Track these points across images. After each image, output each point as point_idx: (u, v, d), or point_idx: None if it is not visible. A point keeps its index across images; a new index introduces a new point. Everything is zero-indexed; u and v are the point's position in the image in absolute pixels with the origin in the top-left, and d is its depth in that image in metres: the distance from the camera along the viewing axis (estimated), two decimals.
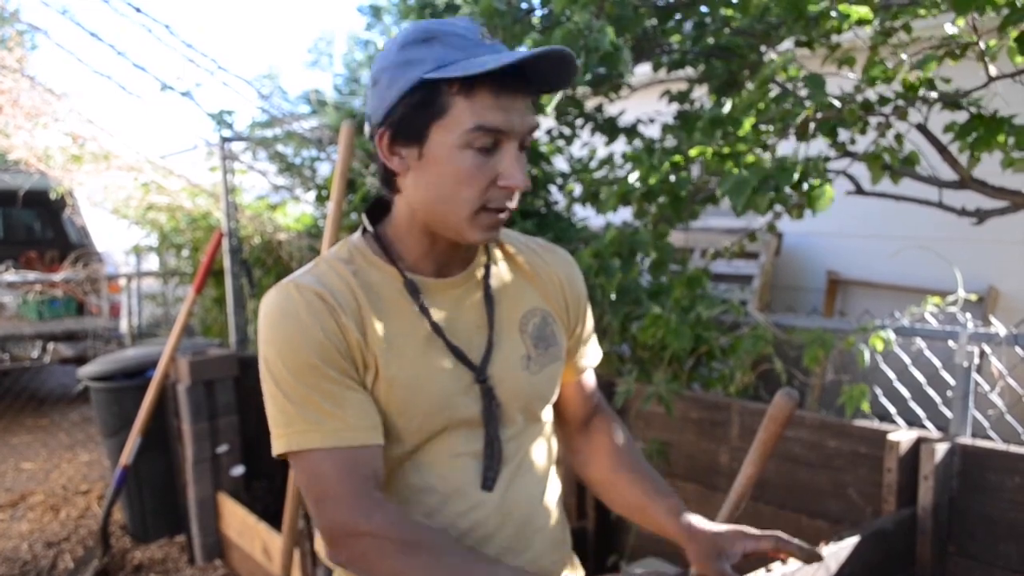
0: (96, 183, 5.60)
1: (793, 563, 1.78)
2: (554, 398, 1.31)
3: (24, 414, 6.60)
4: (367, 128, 1.17)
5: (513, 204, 1.13)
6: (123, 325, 6.98)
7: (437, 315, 1.17)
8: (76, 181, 5.48)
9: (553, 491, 1.31)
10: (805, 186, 2.38)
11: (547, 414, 1.31)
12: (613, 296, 2.80)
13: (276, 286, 1.14)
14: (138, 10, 3.23)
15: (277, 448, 1.10)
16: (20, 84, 4.62)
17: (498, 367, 1.20)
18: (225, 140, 4.33)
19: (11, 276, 6.06)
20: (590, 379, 1.43)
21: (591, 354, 1.41)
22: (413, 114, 1.07)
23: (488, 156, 1.07)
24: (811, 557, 1.18)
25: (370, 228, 1.21)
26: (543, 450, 1.30)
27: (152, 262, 7.52)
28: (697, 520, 1.24)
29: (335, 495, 1.07)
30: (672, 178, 2.66)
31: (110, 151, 5.11)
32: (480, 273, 1.24)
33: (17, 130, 4.95)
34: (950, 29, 2.41)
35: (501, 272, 1.27)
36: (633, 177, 2.63)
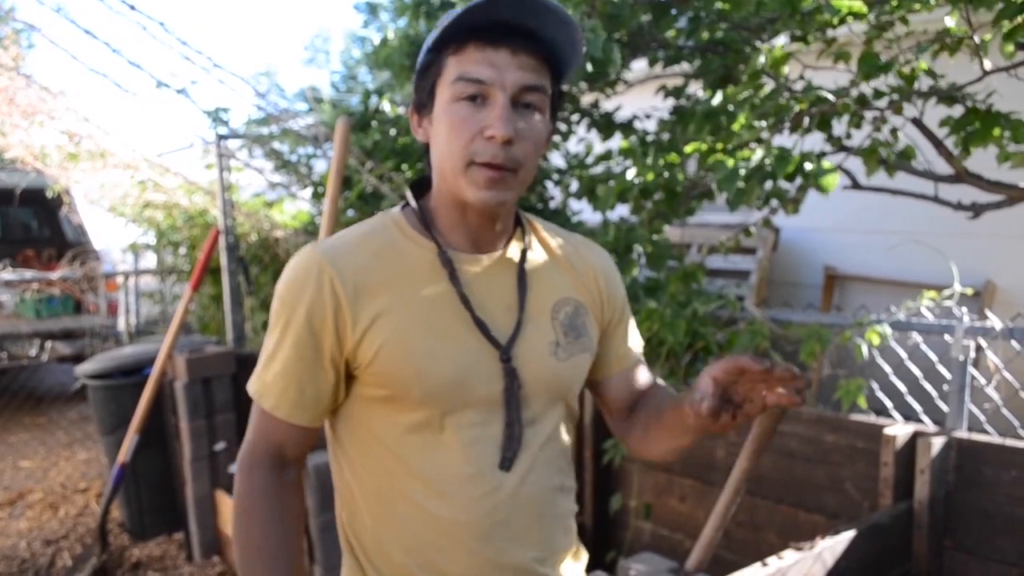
0: (93, 181, 5.59)
1: (789, 558, 1.79)
2: (578, 388, 1.29)
3: (22, 412, 6.59)
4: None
5: (506, 161, 1.10)
6: (121, 323, 6.97)
7: (468, 289, 1.18)
8: (73, 179, 5.47)
9: (568, 480, 1.30)
10: (801, 179, 2.38)
11: (571, 402, 1.29)
12: None
13: (307, 245, 1.20)
14: (133, 7, 3.23)
15: (248, 386, 1.21)
16: (16, 82, 4.61)
17: (524, 349, 1.19)
18: (221, 137, 4.32)
19: (8, 274, 6.06)
20: (640, 373, 1.38)
21: (632, 352, 1.37)
22: (422, 82, 1.16)
23: (477, 108, 1.10)
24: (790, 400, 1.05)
25: (412, 202, 1.23)
26: (562, 439, 1.28)
27: (149, 260, 7.51)
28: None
29: (252, 441, 1.20)
30: (667, 174, 2.66)
31: (106, 149, 5.11)
32: (516, 255, 1.24)
33: (13, 128, 4.94)
34: (947, 22, 2.41)
35: (537, 257, 1.27)
36: (631, 174, 2.63)
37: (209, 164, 5.39)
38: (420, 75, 1.17)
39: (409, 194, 1.25)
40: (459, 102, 1.10)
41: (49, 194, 5.99)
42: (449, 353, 1.14)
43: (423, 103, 1.17)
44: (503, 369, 1.17)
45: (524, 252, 1.24)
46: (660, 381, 1.43)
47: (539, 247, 1.29)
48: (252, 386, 1.21)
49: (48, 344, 6.79)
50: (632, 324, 1.40)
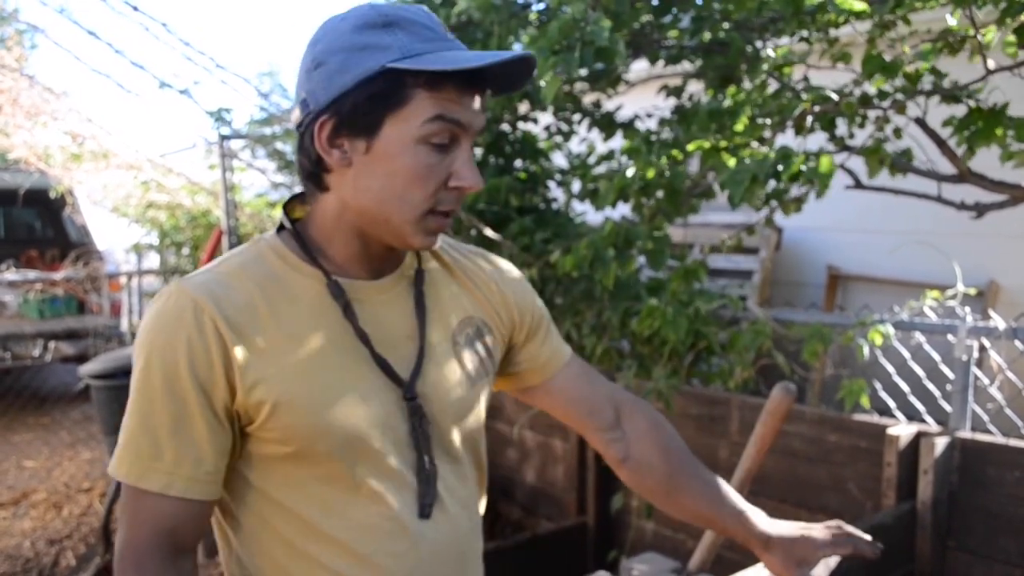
0: (96, 181, 5.61)
1: None
2: (485, 411, 1.19)
3: (26, 412, 6.60)
4: (296, 114, 1.04)
5: (459, 207, 1.05)
6: (124, 323, 6.98)
7: (364, 323, 1.05)
8: (76, 180, 5.49)
9: (479, 516, 1.20)
10: (799, 179, 2.37)
11: (479, 432, 1.19)
12: (611, 287, 2.79)
13: (168, 284, 1.02)
14: (136, 8, 3.23)
15: (110, 467, 1.01)
16: (20, 83, 4.62)
17: (429, 382, 1.08)
18: (224, 138, 4.33)
19: (12, 275, 6.07)
20: (585, 375, 1.30)
21: (560, 350, 1.29)
22: (368, 104, 0.97)
23: (443, 154, 0.99)
24: (875, 552, 1.17)
25: (288, 225, 1.09)
26: (474, 475, 1.18)
27: (152, 260, 7.53)
28: (766, 525, 1.20)
29: (127, 534, 1.00)
30: (669, 172, 2.66)
31: (109, 149, 5.12)
32: (411, 277, 1.13)
33: (17, 129, 4.96)
34: (950, 21, 2.41)
35: (434, 277, 1.16)
36: (631, 172, 2.62)
37: (212, 164, 5.41)
38: (370, 97, 0.97)
39: (285, 218, 1.10)
40: (427, 145, 0.98)
41: (52, 195, 6.01)
42: (353, 398, 1.02)
43: (357, 124, 0.98)
44: (408, 408, 1.05)
45: (421, 272, 1.14)
46: (637, 400, 1.34)
47: (436, 263, 1.18)
48: (124, 467, 0.99)
49: (52, 344, 6.80)
50: (550, 321, 1.31)
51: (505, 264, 1.27)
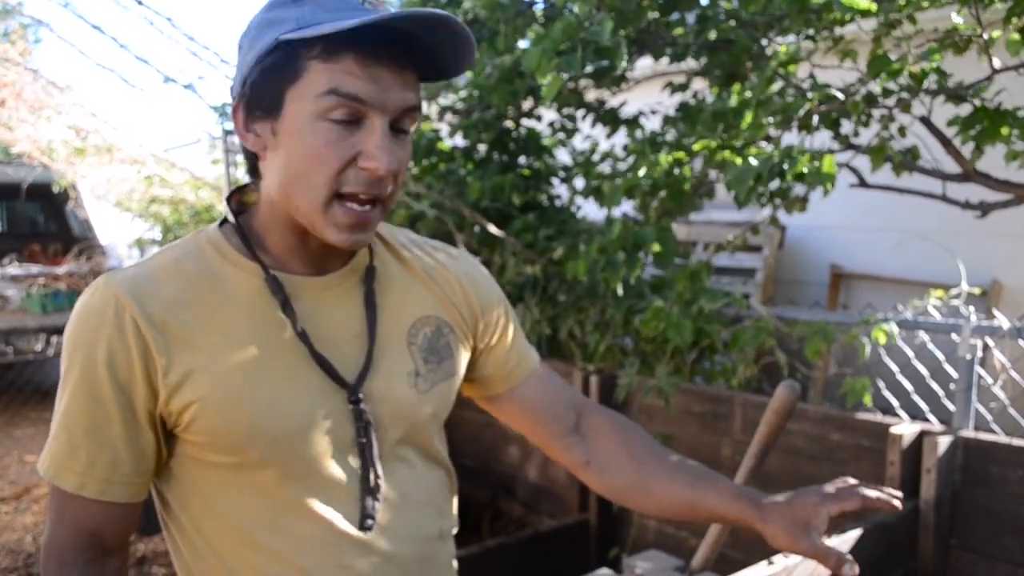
0: (99, 176, 5.61)
1: (795, 556, 1.78)
2: (445, 416, 1.13)
3: (28, 407, 6.61)
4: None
5: (379, 192, 0.94)
6: None
7: (305, 320, 0.99)
8: (79, 174, 5.49)
9: (447, 522, 1.13)
10: (803, 178, 2.37)
11: (439, 439, 1.12)
12: (619, 290, 2.79)
13: (99, 278, 0.98)
14: (140, 2, 3.23)
15: (39, 465, 0.99)
16: (23, 77, 4.62)
17: (378, 384, 1.01)
18: (228, 133, 4.33)
19: (15, 269, 6.08)
20: (550, 381, 1.24)
21: (528, 356, 1.23)
22: (266, 80, 0.92)
23: (348, 131, 0.91)
24: (892, 507, 1.02)
25: (231, 218, 1.03)
26: (436, 480, 1.11)
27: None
28: (758, 496, 1.06)
29: (51, 531, 0.98)
30: (676, 171, 2.66)
31: (113, 144, 5.12)
32: (361, 273, 1.06)
33: (20, 123, 4.96)
34: (955, 20, 2.40)
35: (388, 274, 1.08)
36: (641, 172, 2.62)
37: (216, 159, 5.41)
38: (265, 71, 0.92)
39: (227, 209, 1.04)
40: (325, 122, 0.90)
41: (55, 189, 6.01)
42: (288, 400, 0.96)
43: (261, 104, 0.93)
44: (353, 412, 0.99)
45: (372, 268, 1.06)
46: (598, 405, 1.27)
47: (390, 259, 1.11)
48: (44, 464, 0.96)
49: (54, 339, 6.80)
50: (518, 326, 1.23)
51: (470, 261, 1.20)
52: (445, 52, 0.94)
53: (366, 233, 0.96)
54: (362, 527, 0.99)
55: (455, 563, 1.16)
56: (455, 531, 1.16)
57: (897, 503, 1.00)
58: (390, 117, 0.92)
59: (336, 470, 0.98)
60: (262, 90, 0.92)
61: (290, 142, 0.92)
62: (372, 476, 1.00)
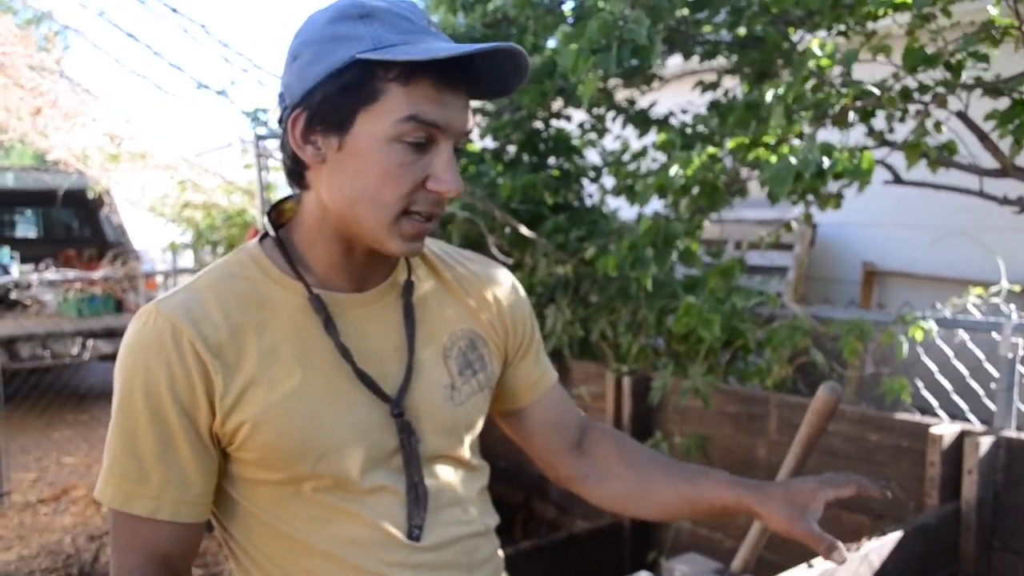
0: (133, 182, 5.68)
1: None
2: (480, 427, 1.15)
3: (65, 410, 6.70)
4: (277, 109, 1.00)
5: (441, 211, 0.99)
6: None
7: (347, 337, 1.01)
8: (113, 180, 5.56)
9: (491, 518, 1.17)
10: (840, 175, 2.35)
11: (474, 446, 1.15)
12: (649, 287, 2.78)
13: (145, 306, 1.00)
14: (174, 11, 3.27)
15: (96, 491, 0.99)
16: (59, 86, 4.69)
17: (417, 398, 1.04)
18: (260, 138, 4.36)
19: (52, 274, 6.16)
20: (564, 398, 1.27)
21: (549, 371, 1.25)
22: (339, 97, 0.93)
23: (419, 154, 0.94)
24: (882, 491, 1.06)
25: (272, 233, 1.05)
26: (474, 483, 1.14)
27: (188, 259, 7.61)
28: (755, 482, 1.10)
29: (120, 560, 0.98)
30: (708, 169, 2.64)
31: (147, 150, 5.18)
32: (400, 288, 1.08)
33: (56, 131, 5.03)
34: (991, 12, 2.37)
35: (424, 288, 1.11)
36: (673, 170, 2.61)
37: (248, 164, 5.45)
38: (341, 89, 0.93)
39: (268, 224, 1.06)
40: (400, 143, 0.93)
41: (90, 195, 6.09)
42: (334, 416, 0.99)
43: (330, 118, 0.94)
44: (396, 424, 1.02)
45: (410, 283, 1.09)
46: (594, 423, 1.30)
47: (427, 272, 1.13)
48: (109, 492, 0.97)
49: (90, 342, 6.89)
50: (541, 344, 1.26)
51: (501, 272, 1.22)
52: (501, 72, 0.97)
53: (423, 242, 1.00)
54: (410, 536, 1.02)
55: (500, 552, 1.19)
56: (497, 522, 1.19)
57: (888, 493, 1.04)
58: (453, 140, 0.96)
59: (383, 481, 1.01)
60: (332, 105, 0.93)
61: (360, 159, 0.94)
62: (417, 485, 1.03)
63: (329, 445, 0.98)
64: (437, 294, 1.12)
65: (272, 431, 0.96)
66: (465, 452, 1.12)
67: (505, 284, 1.20)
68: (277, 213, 1.09)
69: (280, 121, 1.00)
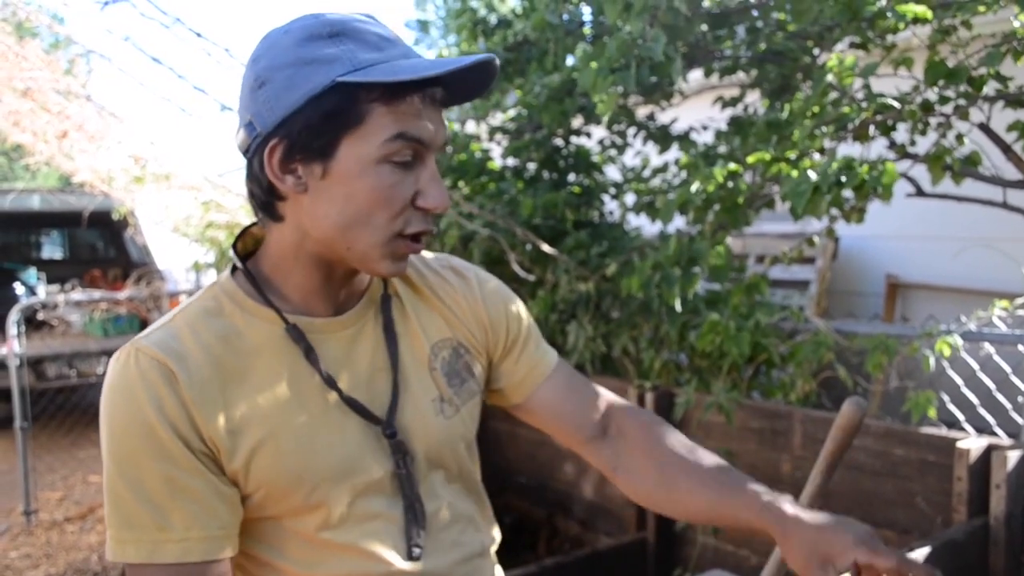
0: (157, 202, 5.73)
1: None
2: (474, 433, 1.14)
3: (91, 428, 6.75)
4: (240, 138, 0.95)
5: (433, 227, 0.97)
6: None
7: (331, 363, 0.99)
8: (138, 201, 5.62)
9: (488, 540, 1.15)
10: (861, 187, 2.35)
11: (470, 457, 1.13)
12: (677, 307, 2.78)
13: (122, 348, 0.95)
14: (199, 35, 3.31)
15: (110, 554, 0.92)
16: (85, 109, 4.76)
17: (408, 415, 1.03)
18: None
19: (77, 295, 6.23)
20: (570, 385, 1.22)
21: (541, 362, 1.21)
22: (322, 124, 0.89)
23: (406, 172, 0.92)
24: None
25: (240, 265, 1.01)
26: (471, 498, 1.13)
27: (211, 278, 7.67)
28: (789, 508, 1.00)
29: None
30: (730, 184, 2.64)
31: (171, 171, 5.24)
32: (378, 304, 1.06)
33: (81, 153, 5.10)
34: (1015, 24, 2.36)
35: (401, 302, 1.09)
36: (695, 187, 2.61)
37: None
38: (323, 116, 0.89)
39: (235, 256, 1.02)
40: (388, 164, 0.91)
41: (115, 216, 6.17)
42: (327, 444, 0.97)
43: (310, 146, 0.90)
44: (389, 445, 1.00)
45: (388, 297, 1.07)
46: (632, 407, 1.24)
47: (401, 285, 1.11)
48: (131, 550, 0.90)
49: None
50: (533, 333, 1.22)
51: (477, 274, 1.19)
52: (471, 80, 0.95)
53: (408, 261, 1.00)
54: (410, 556, 1.01)
55: (499, 570, 1.18)
56: (496, 542, 1.17)
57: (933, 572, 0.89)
58: (435, 154, 0.96)
59: (380, 505, 1.00)
60: (316, 132, 0.90)
61: (347, 184, 0.91)
62: (415, 505, 1.02)
63: (324, 475, 0.96)
64: (415, 306, 1.10)
65: (266, 468, 0.94)
66: (461, 464, 1.11)
67: (480, 287, 1.17)
68: (243, 243, 1.06)
69: (246, 151, 0.95)
